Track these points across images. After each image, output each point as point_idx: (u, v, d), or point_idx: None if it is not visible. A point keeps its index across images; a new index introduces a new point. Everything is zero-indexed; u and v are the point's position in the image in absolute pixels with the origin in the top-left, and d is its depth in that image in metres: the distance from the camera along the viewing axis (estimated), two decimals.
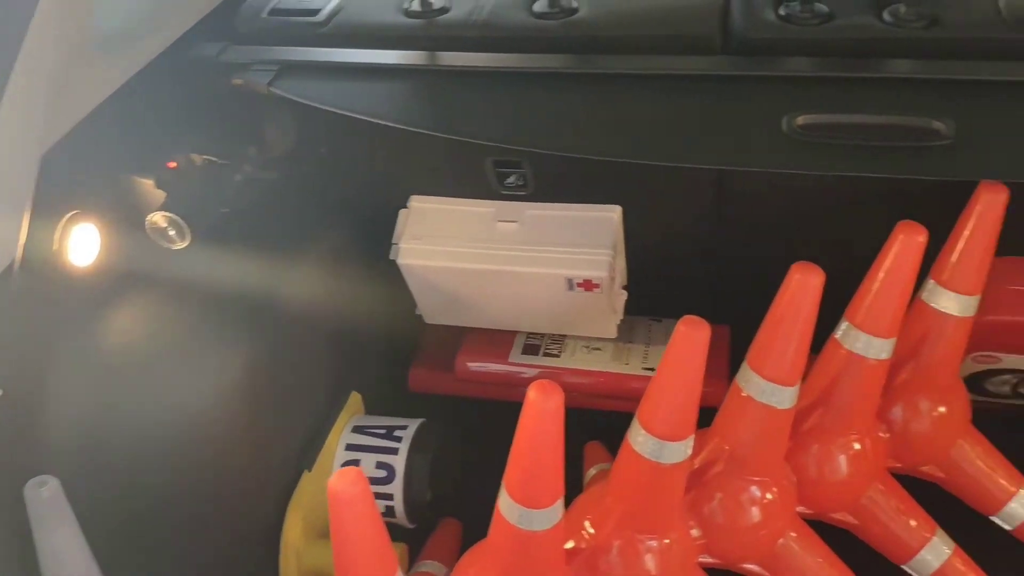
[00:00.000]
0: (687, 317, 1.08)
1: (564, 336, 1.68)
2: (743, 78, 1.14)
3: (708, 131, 1.12)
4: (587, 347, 1.66)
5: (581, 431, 1.58)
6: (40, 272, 0.99)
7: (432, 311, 1.60)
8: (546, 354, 1.66)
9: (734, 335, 1.58)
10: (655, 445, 1.12)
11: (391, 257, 1.46)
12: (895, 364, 1.33)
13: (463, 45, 1.26)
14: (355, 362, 1.56)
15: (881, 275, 1.18)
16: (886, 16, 1.17)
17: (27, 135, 0.90)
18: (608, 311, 1.52)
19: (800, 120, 1.06)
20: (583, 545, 1.19)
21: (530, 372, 1.65)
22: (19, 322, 0.98)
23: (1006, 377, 1.48)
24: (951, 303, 1.26)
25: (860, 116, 1.06)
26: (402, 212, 1.49)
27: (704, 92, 1.15)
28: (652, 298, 1.63)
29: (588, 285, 1.44)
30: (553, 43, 1.23)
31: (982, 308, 1.30)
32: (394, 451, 1.40)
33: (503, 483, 1.07)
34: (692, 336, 1.07)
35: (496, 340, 1.68)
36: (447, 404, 1.67)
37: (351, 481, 0.95)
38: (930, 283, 1.28)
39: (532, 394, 1.01)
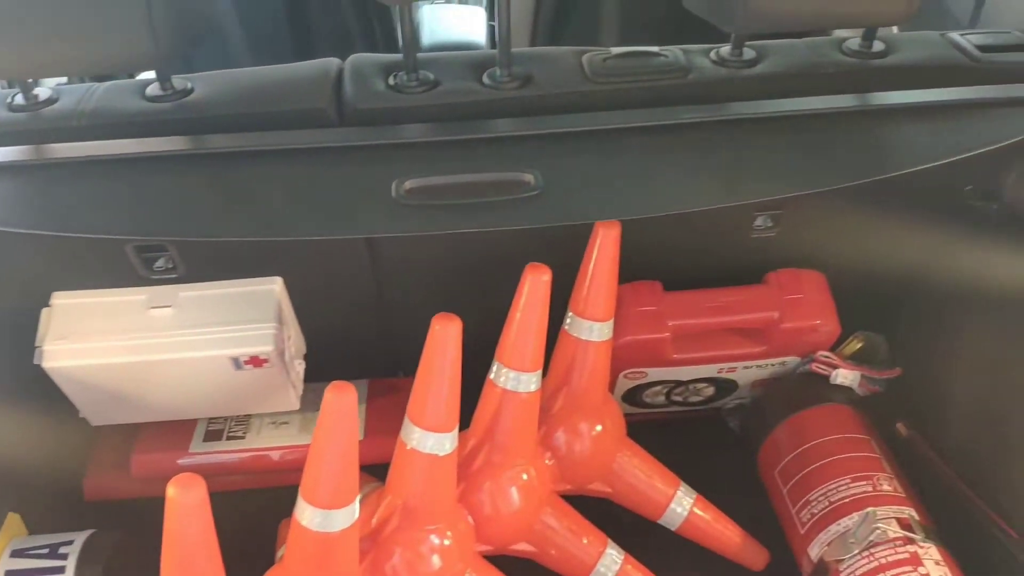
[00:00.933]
0: (334, 383, 1.10)
1: (248, 416, 1.65)
2: (357, 148, 1.19)
3: (325, 202, 1.16)
4: (273, 423, 1.64)
5: (278, 510, 1.55)
6: None
7: (96, 413, 1.50)
8: (230, 438, 1.61)
9: None
10: (322, 516, 1.12)
11: (35, 362, 1.36)
12: (552, 393, 1.43)
13: (75, 135, 1.21)
14: (10, 481, 1.42)
15: (518, 315, 1.27)
16: (485, 79, 1.27)
17: None
18: (285, 384, 1.50)
19: (407, 185, 1.12)
20: None
21: (216, 459, 1.59)
22: None
23: (657, 388, 1.63)
24: (589, 331, 1.38)
25: (459, 176, 1.14)
26: (44, 311, 1.40)
27: (322, 164, 1.18)
28: (334, 363, 1.63)
29: (256, 361, 1.42)
30: (170, 126, 1.22)
31: (617, 331, 1.44)
32: (60, 570, 1.29)
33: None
34: (340, 401, 1.09)
35: (174, 432, 1.60)
36: (132, 508, 1.57)
37: None
38: (570, 315, 1.39)
39: (171, 490, 0.98)
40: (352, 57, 1.31)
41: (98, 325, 1.39)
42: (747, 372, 1.60)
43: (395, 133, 1.19)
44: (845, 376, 1.53)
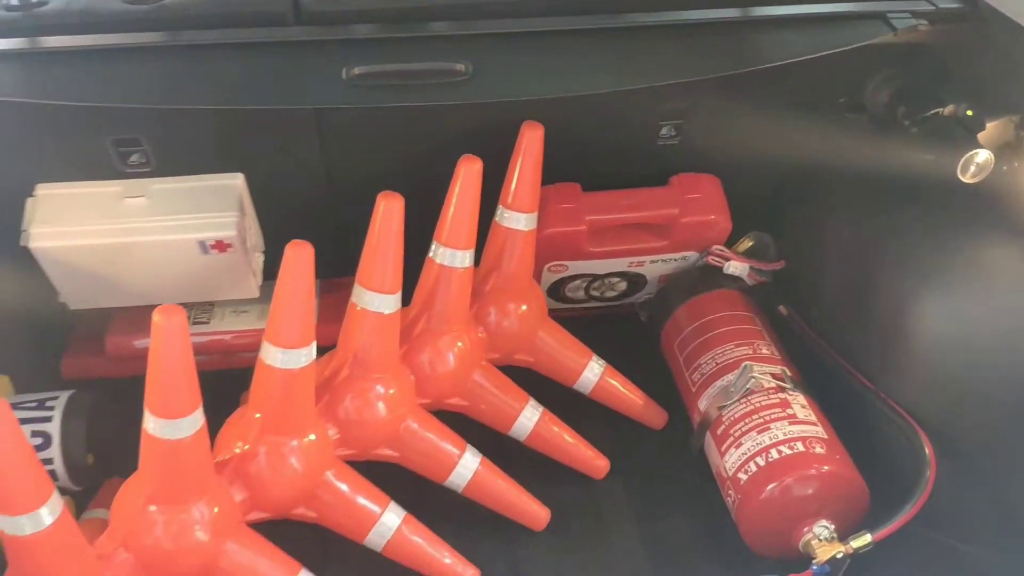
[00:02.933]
0: (293, 241, 1.30)
1: (212, 304, 1.83)
2: (311, 43, 1.38)
3: (283, 83, 1.36)
4: (235, 311, 1.82)
5: (239, 387, 1.74)
6: None
7: (74, 296, 1.67)
8: (196, 322, 1.79)
9: None
10: (284, 355, 1.32)
11: (22, 244, 1.53)
12: (484, 276, 1.65)
13: (65, 31, 1.38)
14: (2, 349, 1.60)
15: (454, 199, 1.48)
16: None
17: None
18: (246, 272, 1.68)
19: (356, 70, 1.33)
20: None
21: None
22: None
23: (577, 282, 1.86)
24: (517, 221, 1.59)
25: (401, 65, 1.35)
26: (29, 200, 1.56)
27: (280, 55, 1.38)
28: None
29: (221, 246, 1.60)
30: (149, 24, 1.40)
31: (540, 225, 1.66)
32: (48, 419, 1.47)
33: (145, 406, 1.22)
34: (298, 256, 1.29)
35: (146, 316, 1.76)
36: (106, 386, 1.74)
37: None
38: (500, 208, 1.60)
39: (156, 318, 1.18)
40: None
41: (78, 212, 1.56)
42: (654, 267, 1.83)
43: (347, 31, 1.39)
44: (736, 267, 1.78)
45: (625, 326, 1.95)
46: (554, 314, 1.77)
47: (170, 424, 1.20)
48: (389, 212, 1.38)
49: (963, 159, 1.37)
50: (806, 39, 1.45)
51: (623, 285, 1.88)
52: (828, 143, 1.70)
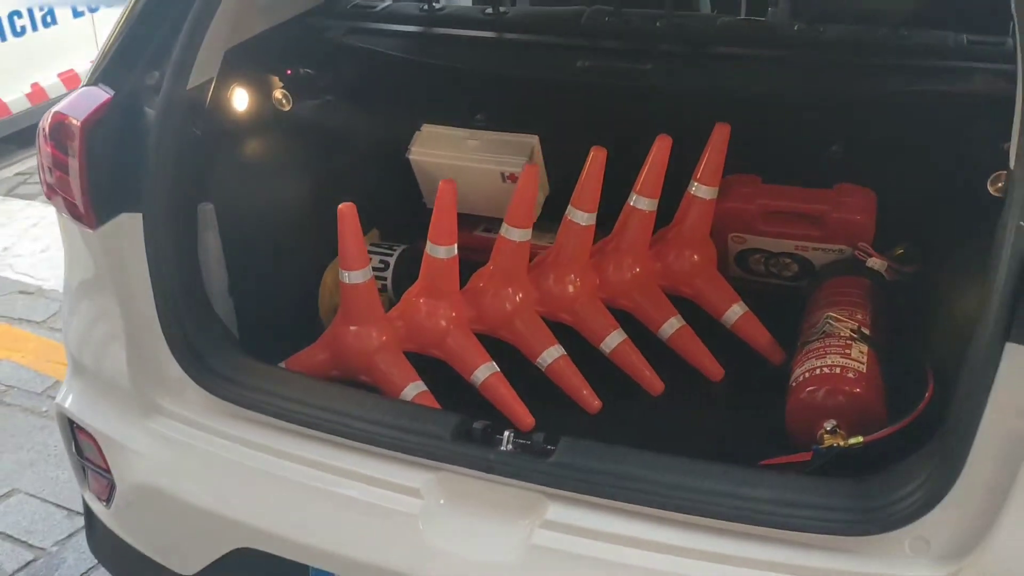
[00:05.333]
0: (528, 165, 2.14)
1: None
2: (564, 46, 2.23)
3: (544, 69, 2.22)
4: None
5: None
6: (218, 110, 2.13)
7: (430, 198, 2.69)
8: (487, 230, 2.71)
9: None
10: (512, 231, 2.16)
11: (407, 156, 2.58)
12: (670, 227, 2.34)
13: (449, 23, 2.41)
14: (378, 219, 2.65)
15: (649, 162, 2.21)
16: None
17: (218, 39, 2.03)
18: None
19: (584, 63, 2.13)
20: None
21: (482, 241, 2.70)
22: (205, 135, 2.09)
23: (757, 256, 2.44)
24: (701, 191, 2.27)
25: (606, 61, 2.13)
26: (417, 133, 2.61)
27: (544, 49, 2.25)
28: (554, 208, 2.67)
29: (514, 178, 2.51)
30: (497, 25, 2.35)
31: (724, 199, 2.31)
32: (390, 254, 2.49)
33: (428, 238, 2.14)
34: (530, 173, 2.13)
35: (464, 221, 2.74)
36: None
37: (349, 207, 2.05)
38: (691, 182, 2.29)
39: (442, 185, 2.10)
40: None
41: (441, 144, 2.58)
42: (816, 254, 2.36)
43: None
44: (876, 263, 2.24)
45: (792, 303, 2.46)
46: (739, 283, 2.38)
47: (436, 248, 2.11)
48: (596, 159, 2.16)
49: None
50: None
51: (795, 267, 2.42)
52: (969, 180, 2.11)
